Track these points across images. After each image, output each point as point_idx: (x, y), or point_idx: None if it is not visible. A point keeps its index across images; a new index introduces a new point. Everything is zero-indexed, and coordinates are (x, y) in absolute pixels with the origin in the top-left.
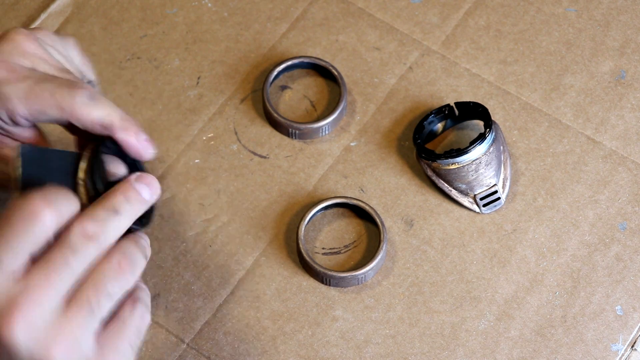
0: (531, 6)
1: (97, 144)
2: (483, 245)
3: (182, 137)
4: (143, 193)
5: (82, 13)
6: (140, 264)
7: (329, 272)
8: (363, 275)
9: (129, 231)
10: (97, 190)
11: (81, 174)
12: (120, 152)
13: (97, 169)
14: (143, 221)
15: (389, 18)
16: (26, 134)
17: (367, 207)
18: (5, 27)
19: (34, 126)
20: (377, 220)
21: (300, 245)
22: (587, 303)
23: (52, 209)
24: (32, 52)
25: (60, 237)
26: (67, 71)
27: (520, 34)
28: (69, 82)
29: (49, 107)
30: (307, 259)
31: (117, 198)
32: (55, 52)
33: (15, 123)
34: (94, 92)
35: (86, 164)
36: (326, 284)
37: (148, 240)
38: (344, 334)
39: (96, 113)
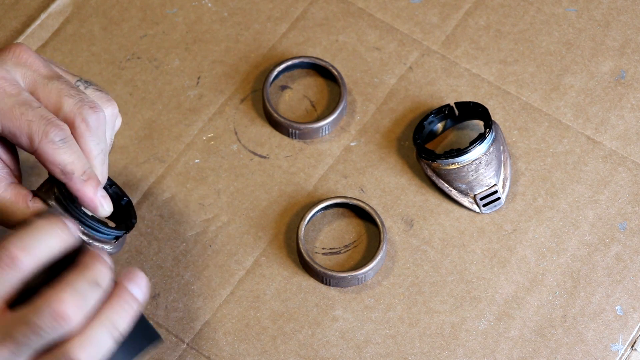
0: (531, 6)
1: (58, 185)
2: (483, 245)
3: (182, 137)
4: (111, 266)
5: (82, 13)
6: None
7: (329, 272)
8: (363, 275)
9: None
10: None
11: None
12: (71, 205)
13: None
14: (128, 226)
15: (389, 18)
16: None
17: (367, 207)
18: (6, 27)
19: (6, 140)
20: (377, 220)
21: (300, 245)
22: (587, 303)
23: (27, 254)
24: (29, 62)
25: (29, 308)
26: (60, 76)
27: (520, 34)
28: (49, 118)
29: (20, 133)
30: (307, 259)
31: (99, 268)
32: (54, 66)
33: None
34: (68, 135)
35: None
36: (326, 284)
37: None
38: (344, 334)
39: (61, 157)
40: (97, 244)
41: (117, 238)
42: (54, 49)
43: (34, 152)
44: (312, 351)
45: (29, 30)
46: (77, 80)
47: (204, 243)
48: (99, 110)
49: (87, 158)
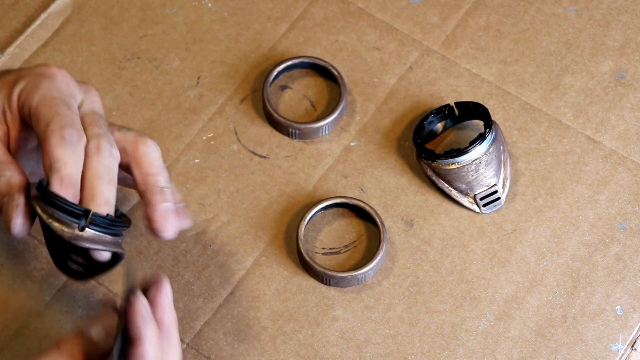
0: (531, 6)
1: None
2: (483, 245)
3: (182, 137)
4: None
5: (82, 13)
6: None
7: (329, 272)
8: (363, 275)
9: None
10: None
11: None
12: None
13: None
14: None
15: (389, 18)
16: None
17: (367, 207)
18: (6, 27)
19: (21, 120)
20: (377, 220)
21: (300, 245)
22: (587, 303)
23: None
24: (94, 99)
25: None
26: (105, 118)
27: (520, 34)
28: (75, 123)
29: (43, 118)
30: (307, 259)
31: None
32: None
33: (20, 111)
34: (80, 144)
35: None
36: (326, 284)
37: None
38: (344, 334)
39: (58, 153)
40: (66, 230)
41: (81, 223)
42: (54, 49)
43: (41, 139)
44: (312, 351)
45: (29, 30)
46: (121, 127)
47: (204, 243)
48: (116, 150)
49: (90, 176)
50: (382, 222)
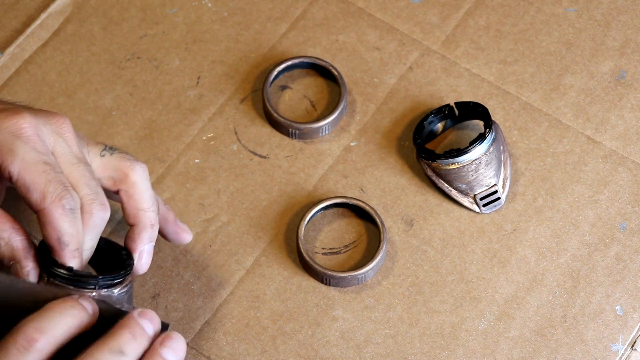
0: (531, 6)
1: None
2: (483, 245)
3: (182, 137)
4: (147, 329)
5: (82, 13)
6: None
7: (329, 272)
8: (363, 275)
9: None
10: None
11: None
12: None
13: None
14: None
15: (389, 18)
16: None
17: (367, 207)
18: (6, 27)
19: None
20: (377, 220)
21: (300, 245)
22: (587, 303)
23: (43, 335)
24: (67, 136)
25: None
26: (86, 162)
27: (520, 34)
28: (66, 185)
29: (34, 188)
30: (307, 259)
31: (124, 336)
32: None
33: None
34: (78, 208)
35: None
36: (326, 284)
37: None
38: (344, 334)
39: (63, 225)
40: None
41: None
42: (54, 49)
43: (40, 210)
44: (312, 351)
45: (29, 30)
46: (103, 150)
47: (204, 243)
48: (107, 210)
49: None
50: (382, 222)
